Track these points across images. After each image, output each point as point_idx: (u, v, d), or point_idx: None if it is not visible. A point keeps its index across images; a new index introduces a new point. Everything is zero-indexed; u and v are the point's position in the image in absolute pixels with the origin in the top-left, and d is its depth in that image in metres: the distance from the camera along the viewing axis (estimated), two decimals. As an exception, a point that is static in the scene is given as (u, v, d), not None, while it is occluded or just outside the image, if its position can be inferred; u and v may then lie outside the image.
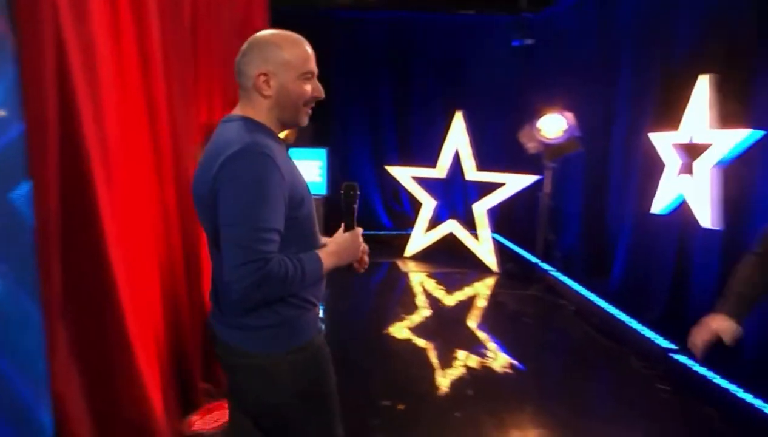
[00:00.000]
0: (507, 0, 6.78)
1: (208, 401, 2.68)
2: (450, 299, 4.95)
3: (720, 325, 1.77)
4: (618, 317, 4.16)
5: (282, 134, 1.55)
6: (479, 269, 5.85)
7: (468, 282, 5.48)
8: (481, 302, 4.96)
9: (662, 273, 4.07)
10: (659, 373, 3.45)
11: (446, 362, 3.56)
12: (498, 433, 2.79)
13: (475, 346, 3.87)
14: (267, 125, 1.41)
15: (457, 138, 6.11)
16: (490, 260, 5.88)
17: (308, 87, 1.41)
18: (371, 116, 7.14)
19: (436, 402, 3.06)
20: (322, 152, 6.52)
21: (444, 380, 3.31)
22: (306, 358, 1.45)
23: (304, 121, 1.45)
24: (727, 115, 3.45)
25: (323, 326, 1.55)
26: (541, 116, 5.02)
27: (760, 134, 3.15)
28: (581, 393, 3.37)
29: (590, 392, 3.45)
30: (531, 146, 5.15)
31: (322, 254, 1.42)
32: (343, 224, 1.53)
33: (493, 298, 5.07)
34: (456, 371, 3.45)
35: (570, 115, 4.91)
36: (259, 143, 1.30)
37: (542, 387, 3.35)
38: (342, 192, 1.53)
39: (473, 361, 3.60)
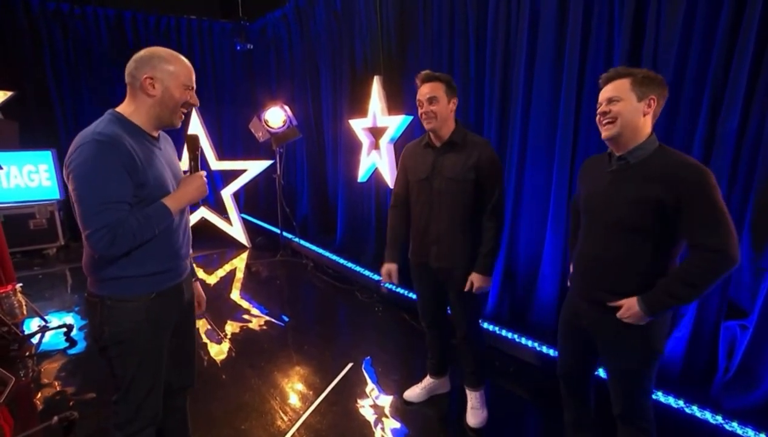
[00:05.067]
0: (226, 9, 6.73)
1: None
2: (212, 278, 4.88)
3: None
4: (345, 264, 4.69)
5: None
6: (234, 247, 5.90)
7: (226, 260, 5.48)
8: (239, 275, 5.01)
9: (369, 226, 4.75)
10: (375, 300, 4.10)
11: (214, 335, 3.53)
12: (260, 381, 2.88)
13: (238, 314, 3.91)
14: (134, 121, 1.49)
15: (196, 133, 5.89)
16: (242, 237, 5.97)
17: (186, 95, 1.53)
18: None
19: (207, 372, 3.00)
20: (47, 155, 5.57)
21: (213, 350, 3.28)
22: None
23: (177, 123, 1.56)
24: (391, 105, 4.14)
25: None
26: (265, 110, 5.17)
27: (409, 118, 3.90)
28: (328, 326, 3.81)
29: (334, 322, 3.94)
30: (260, 135, 5.28)
31: (166, 198, 1.52)
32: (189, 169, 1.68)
33: (248, 269, 5.15)
34: (223, 340, 3.44)
35: (287, 108, 5.18)
36: (104, 132, 1.38)
37: (298, 332, 3.59)
38: (185, 144, 1.70)
39: (236, 327, 3.64)
